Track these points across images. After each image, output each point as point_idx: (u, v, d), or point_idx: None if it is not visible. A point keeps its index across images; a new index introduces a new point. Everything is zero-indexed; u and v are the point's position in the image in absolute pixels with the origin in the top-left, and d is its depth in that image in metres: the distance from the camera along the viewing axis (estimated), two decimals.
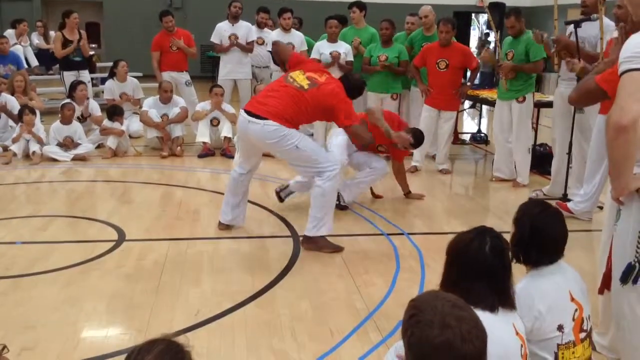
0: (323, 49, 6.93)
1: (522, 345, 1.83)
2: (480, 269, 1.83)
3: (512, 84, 5.85)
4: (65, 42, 8.32)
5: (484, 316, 1.45)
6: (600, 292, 2.58)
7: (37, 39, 11.49)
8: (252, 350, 2.86)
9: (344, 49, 6.91)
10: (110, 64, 10.44)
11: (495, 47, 6.23)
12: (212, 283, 3.63)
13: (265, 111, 3.97)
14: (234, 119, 7.27)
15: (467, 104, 10.46)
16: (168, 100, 7.37)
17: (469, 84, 6.62)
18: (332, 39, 6.95)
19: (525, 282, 2.16)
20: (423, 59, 6.45)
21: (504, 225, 4.87)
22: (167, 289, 3.52)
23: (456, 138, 6.57)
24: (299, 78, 4.14)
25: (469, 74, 6.62)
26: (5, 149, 7.02)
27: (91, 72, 10.69)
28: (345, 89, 4.19)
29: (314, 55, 6.96)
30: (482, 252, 1.84)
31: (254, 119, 3.97)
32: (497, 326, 1.71)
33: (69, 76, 8.31)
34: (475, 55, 6.63)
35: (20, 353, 2.76)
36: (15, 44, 9.96)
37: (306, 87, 4.07)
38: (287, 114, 3.99)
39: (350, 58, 6.92)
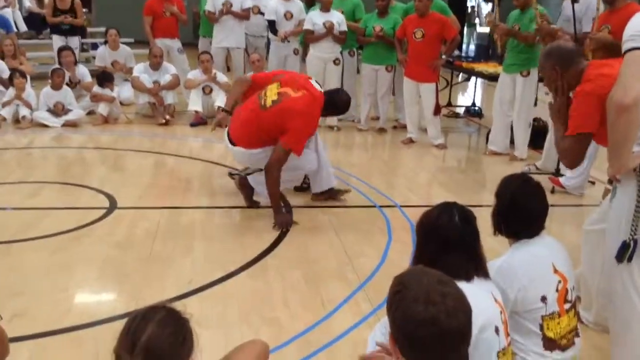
0: (316, 18, 6.81)
1: (501, 312, 1.87)
2: (455, 240, 1.86)
3: (517, 56, 5.73)
4: (55, 10, 8.14)
5: (463, 287, 1.46)
6: None
7: (29, 2, 11.26)
8: (244, 319, 2.87)
9: (337, 19, 6.79)
10: (101, 29, 10.28)
11: (494, 14, 6.15)
12: (204, 252, 3.63)
13: (236, 137, 4.22)
14: (227, 88, 7.19)
15: (461, 76, 10.43)
16: (158, 65, 7.26)
17: (444, 56, 6.55)
18: (326, 8, 6.81)
19: (508, 255, 2.18)
20: (403, 29, 6.42)
21: None
22: (159, 257, 3.52)
23: (438, 110, 6.49)
24: (270, 93, 4.11)
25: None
26: None
27: (82, 37, 10.53)
28: (326, 105, 4.19)
29: (307, 25, 6.84)
30: (453, 223, 1.88)
31: (230, 145, 4.27)
32: (477, 295, 1.73)
33: (57, 40, 8.16)
34: (454, 25, 6.51)
35: (10, 319, 2.75)
36: (5, 6, 9.75)
37: (269, 104, 4.04)
38: (250, 139, 4.13)
39: (344, 28, 6.81)
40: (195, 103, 7.08)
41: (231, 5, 7.41)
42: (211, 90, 7.18)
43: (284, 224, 4.01)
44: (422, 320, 1.33)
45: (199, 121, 7.05)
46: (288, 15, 7.16)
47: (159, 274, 3.31)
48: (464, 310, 1.37)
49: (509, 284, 2.07)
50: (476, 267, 1.91)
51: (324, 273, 3.40)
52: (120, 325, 1.46)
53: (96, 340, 2.62)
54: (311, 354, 2.61)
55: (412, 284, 1.39)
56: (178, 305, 1.50)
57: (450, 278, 1.44)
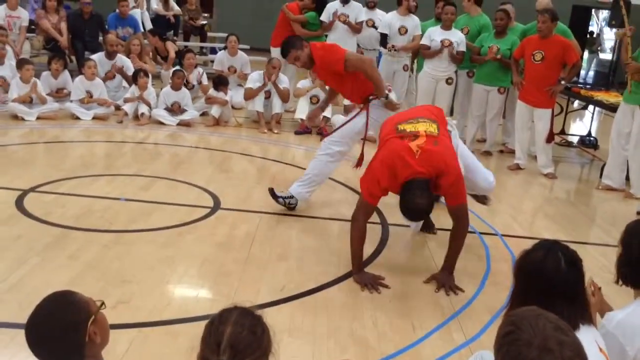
0: (435, 35, 6.71)
1: None
2: (560, 286, 1.76)
3: (637, 86, 5.42)
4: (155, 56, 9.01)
5: None
6: None
7: (155, 4, 11.94)
8: (333, 333, 2.87)
9: (456, 38, 6.66)
10: (221, 34, 10.70)
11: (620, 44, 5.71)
12: (298, 260, 3.68)
13: None
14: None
15: (577, 103, 9.93)
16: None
17: (563, 82, 6.24)
18: (447, 26, 6.69)
19: (632, 308, 2.00)
20: (522, 50, 6.20)
21: (608, 239, 4.59)
22: (256, 261, 3.61)
23: (550, 138, 6.21)
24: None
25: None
26: (118, 107, 7.41)
27: (202, 40, 11.05)
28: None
29: (425, 41, 6.76)
30: (560, 269, 1.78)
31: None
32: (584, 346, 1.62)
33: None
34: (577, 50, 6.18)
35: (115, 306, 2.92)
36: (134, 7, 10.41)
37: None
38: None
39: (463, 48, 6.67)
40: (302, 112, 7.20)
41: (347, 17, 7.50)
42: (318, 100, 7.28)
43: (362, 284, 3.41)
44: None
45: (304, 130, 7.17)
46: (402, 30, 7.12)
47: (255, 278, 3.39)
48: None
49: (629, 341, 1.91)
50: (582, 314, 1.79)
51: (416, 296, 3.34)
52: None
53: (191, 337, 2.66)
54: None
55: (526, 327, 1.33)
56: (252, 308, 1.59)
57: (568, 325, 1.36)
